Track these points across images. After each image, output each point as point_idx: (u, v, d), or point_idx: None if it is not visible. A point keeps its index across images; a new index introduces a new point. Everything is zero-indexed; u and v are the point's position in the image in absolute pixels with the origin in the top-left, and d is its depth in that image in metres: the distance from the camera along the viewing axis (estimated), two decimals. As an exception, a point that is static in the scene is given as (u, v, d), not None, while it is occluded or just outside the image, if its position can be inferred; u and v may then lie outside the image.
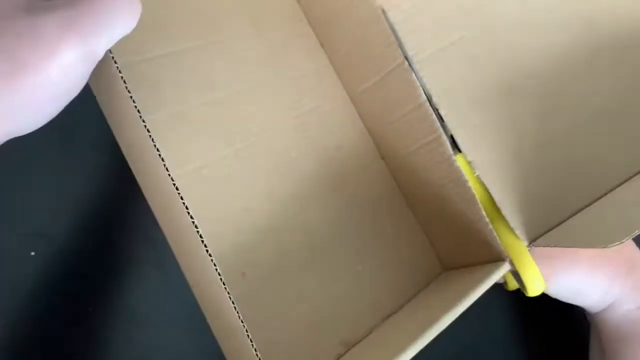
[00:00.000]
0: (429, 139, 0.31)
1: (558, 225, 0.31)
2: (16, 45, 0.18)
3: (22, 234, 0.36)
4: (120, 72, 0.23)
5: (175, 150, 0.28)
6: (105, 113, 0.27)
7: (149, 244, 0.38)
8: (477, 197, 0.30)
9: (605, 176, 0.33)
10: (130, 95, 0.23)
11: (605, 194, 0.32)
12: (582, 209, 0.32)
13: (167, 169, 0.23)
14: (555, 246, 0.29)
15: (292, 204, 0.31)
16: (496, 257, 0.30)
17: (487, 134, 0.32)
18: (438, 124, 0.31)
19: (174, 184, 0.23)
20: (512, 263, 0.30)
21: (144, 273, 0.37)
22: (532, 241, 0.31)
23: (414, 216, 0.36)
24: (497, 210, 0.31)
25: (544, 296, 0.34)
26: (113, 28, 0.21)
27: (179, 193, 0.23)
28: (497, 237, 0.30)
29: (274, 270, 0.29)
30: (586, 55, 0.34)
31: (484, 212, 0.30)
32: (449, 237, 0.34)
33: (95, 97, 0.26)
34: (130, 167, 0.28)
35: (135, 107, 0.23)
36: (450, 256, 0.34)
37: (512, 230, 0.31)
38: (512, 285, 0.34)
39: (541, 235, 0.31)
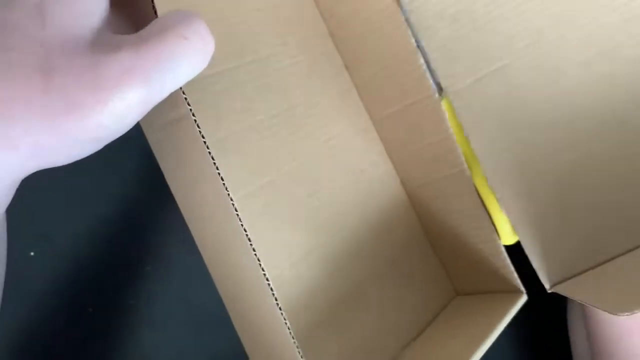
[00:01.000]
0: (452, 171, 0.32)
1: (582, 272, 0.31)
2: (73, 84, 0.17)
3: (22, 234, 0.35)
4: (187, 99, 0.22)
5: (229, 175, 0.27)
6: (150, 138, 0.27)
7: (149, 244, 0.38)
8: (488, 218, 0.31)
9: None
10: (190, 108, 0.22)
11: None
12: (610, 260, 0.31)
13: (233, 204, 0.23)
14: (573, 298, 0.29)
15: (320, 235, 0.31)
16: (512, 288, 0.32)
17: (518, 169, 0.32)
18: (462, 157, 0.31)
19: (238, 217, 0.24)
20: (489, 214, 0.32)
21: (145, 273, 0.38)
22: (553, 285, 0.31)
23: (428, 241, 0.37)
24: (474, 157, 0.32)
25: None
26: (182, 72, 0.19)
27: (242, 227, 0.24)
28: (514, 271, 0.31)
29: (307, 302, 0.30)
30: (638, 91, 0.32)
31: (503, 248, 0.31)
32: (463, 265, 0.35)
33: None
34: (169, 183, 0.28)
35: (201, 134, 0.23)
36: (464, 282, 0.36)
37: (487, 182, 0.31)
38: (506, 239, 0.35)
39: (563, 281, 0.31)
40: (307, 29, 0.35)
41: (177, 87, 0.19)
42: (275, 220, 0.30)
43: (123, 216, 0.38)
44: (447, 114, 0.32)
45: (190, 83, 0.28)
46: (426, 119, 0.32)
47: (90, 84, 0.17)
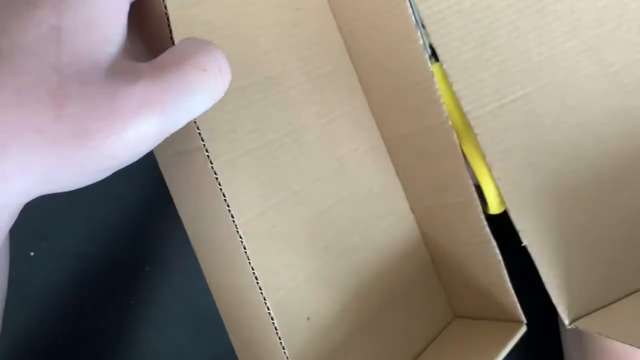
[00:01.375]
0: (461, 200, 0.31)
1: (604, 307, 0.31)
2: (87, 113, 0.17)
3: (22, 234, 0.35)
4: (200, 134, 0.22)
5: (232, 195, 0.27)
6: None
7: (148, 244, 0.38)
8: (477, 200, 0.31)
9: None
10: (203, 144, 0.22)
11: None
12: (633, 293, 0.31)
13: (235, 226, 0.23)
14: (596, 333, 0.29)
15: (324, 256, 0.31)
16: (512, 318, 0.32)
17: (542, 201, 0.31)
18: (472, 187, 0.31)
19: (241, 239, 0.24)
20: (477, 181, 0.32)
21: (144, 273, 0.38)
22: (574, 321, 0.31)
23: (431, 262, 0.37)
24: (466, 125, 0.32)
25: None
26: (199, 104, 0.19)
27: (244, 249, 0.24)
28: (517, 301, 0.31)
29: (310, 323, 0.30)
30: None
31: (507, 277, 0.31)
32: (465, 289, 0.35)
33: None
34: (176, 203, 0.28)
35: (208, 156, 0.23)
36: (464, 306, 0.36)
37: (478, 149, 0.31)
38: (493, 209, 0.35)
39: (584, 316, 0.31)
40: (324, 43, 0.35)
41: (193, 117, 0.19)
42: (282, 241, 0.30)
43: (123, 216, 0.38)
44: (438, 80, 0.31)
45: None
46: (438, 145, 0.32)
47: (105, 115, 0.17)
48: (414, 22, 0.31)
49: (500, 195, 0.32)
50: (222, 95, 0.19)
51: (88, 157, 0.17)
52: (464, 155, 0.32)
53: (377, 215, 0.35)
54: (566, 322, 0.31)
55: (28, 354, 0.35)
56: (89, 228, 0.37)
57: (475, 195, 0.31)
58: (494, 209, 0.33)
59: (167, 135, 0.19)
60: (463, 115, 0.31)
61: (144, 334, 0.37)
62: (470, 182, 0.32)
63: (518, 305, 0.32)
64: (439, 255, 0.36)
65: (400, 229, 0.36)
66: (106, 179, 0.37)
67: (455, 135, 0.31)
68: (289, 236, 0.30)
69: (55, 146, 0.17)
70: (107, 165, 0.18)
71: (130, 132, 0.17)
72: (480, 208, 0.32)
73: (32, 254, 0.35)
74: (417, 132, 0.33)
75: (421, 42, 0.31)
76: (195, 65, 0.18)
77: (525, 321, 0.32)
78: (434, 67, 0.31)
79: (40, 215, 0.35)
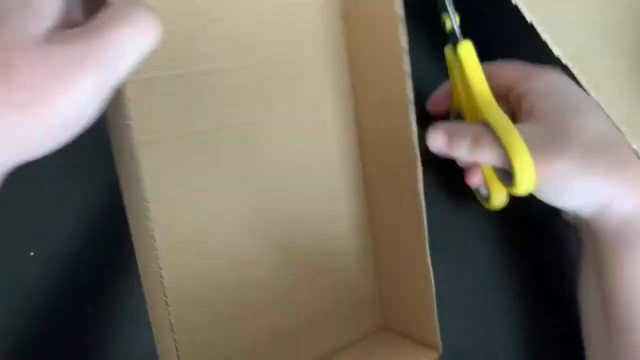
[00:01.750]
0: (413, 219, 0.34)
1: None
2: (30, 77, 0.19)
3: (22, 234, 0.35)
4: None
5: (152, 177, 0.29)
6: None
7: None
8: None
9: None
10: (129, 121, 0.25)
11: None
12: None
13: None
14: None
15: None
16: (430, 344, 0.35)
17: None
18: (424, 220, 0.34)
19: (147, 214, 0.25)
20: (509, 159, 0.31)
21: (144, 273, 0.38)
22: None
23: (375, 274, 0.40)
24: (497, 106, 0.33)
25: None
26: (129, 57, 0.21)
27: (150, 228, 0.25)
28: (438, 331, 0.35)
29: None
30: None
31: (435, 304, 0.34)
32: (397, 306, 0.39)
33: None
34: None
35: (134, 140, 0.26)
36: (392, 320, 0.40)
37: (511, 127, 0.31)
38: (496, 204, 0.36)
39: None
40: (316, 43, 0.37)
41: (128, 70, 0.22)
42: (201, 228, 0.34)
43: (123, 216, 0.38)
44: (468, 58, 0.34)
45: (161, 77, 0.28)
46: (407, 191, 0.35)
47: (45, 76, 0.19)
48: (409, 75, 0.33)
49: (533, 175, 0.31)
50: (151, 46, 0.22)
51: (39, 117, 0.19)
52: (495, 134, 0.32)
53: (331, 215, 0.39)
54: None
55: (28, 354, 0.35)
56: (88, 228, 0.37)
57: (424, 218, 0.34)
58: (524, 188, 0.31)
59: (108, 88, 0.21)
60: (493, 98, 0.33)
61: (144, 333, 0.37)
62: (422, 204, 0.34)
63: (438, 336, 0.35)
64: (382, 268, 0.40)
65: (353, 233, 0.39)
66: (105, 176, 0.37)
67: (420, 185, 0.34)
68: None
69: (8, 112, 0.19)
70: (59, 121, 0.20)
71: (70, 89, 0.20)
72: (426, 238, 0.34)
73: (32, 254, 0.35)
74: (391, 179, 0.37)
75: (410, 97, 0.34)
76: (122, 21, 0.21)
77: (441, 352, 0.35)
78: (464, 45, 0.34)
79: (40, 215, 0.36)
